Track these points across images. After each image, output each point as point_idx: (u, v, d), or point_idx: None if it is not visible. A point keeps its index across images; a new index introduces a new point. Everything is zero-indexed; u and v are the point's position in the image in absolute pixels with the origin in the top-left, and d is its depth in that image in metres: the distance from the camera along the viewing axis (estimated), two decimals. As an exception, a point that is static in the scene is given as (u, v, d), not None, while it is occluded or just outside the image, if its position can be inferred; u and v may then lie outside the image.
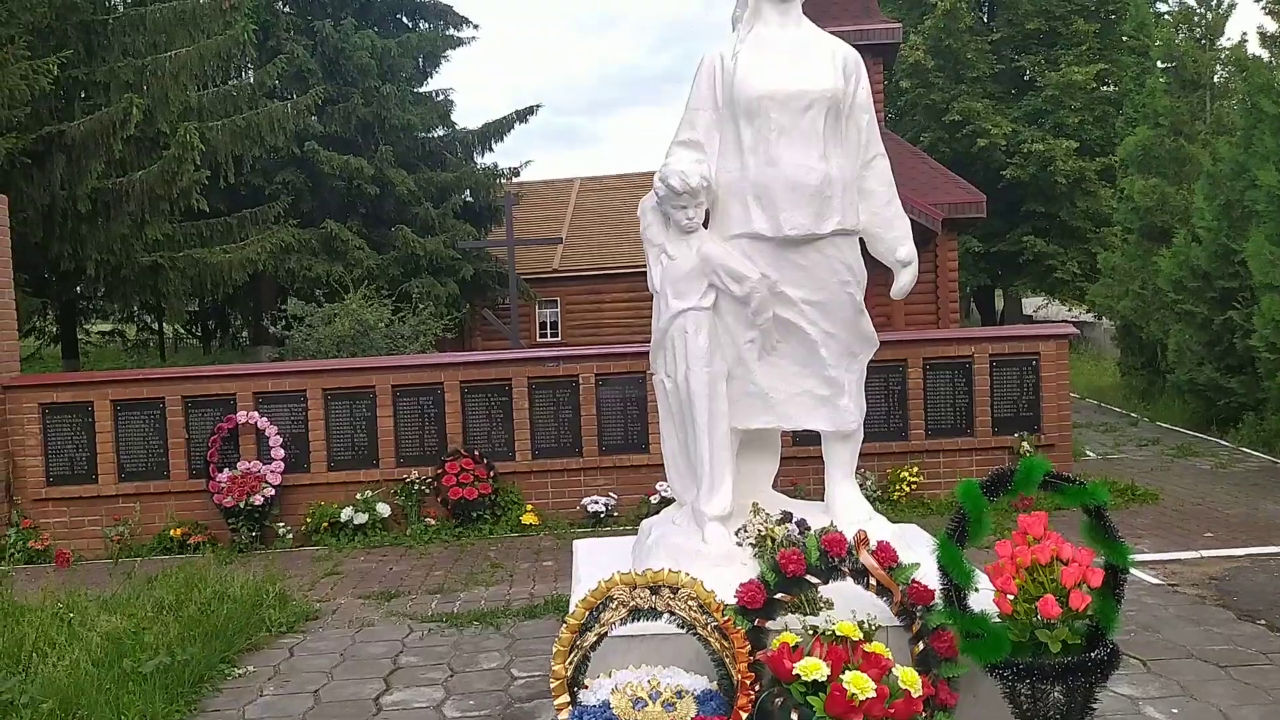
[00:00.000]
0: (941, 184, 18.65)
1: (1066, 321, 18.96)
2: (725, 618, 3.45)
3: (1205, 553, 7.17)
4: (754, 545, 4.08)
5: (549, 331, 28.61)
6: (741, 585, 3.66)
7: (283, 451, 9.02)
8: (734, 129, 4.33)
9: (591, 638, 3.45)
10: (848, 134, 4.38)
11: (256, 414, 9.09)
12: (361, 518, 8.95)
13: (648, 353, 9.39)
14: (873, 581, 3.62)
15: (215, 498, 8.88)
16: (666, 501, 9.10)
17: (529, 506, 9.22)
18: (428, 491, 9.15)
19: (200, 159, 16.49)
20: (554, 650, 3.43)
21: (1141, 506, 8.81)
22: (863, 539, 3.68)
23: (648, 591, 3.46)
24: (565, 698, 3.41)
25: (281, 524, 9.00)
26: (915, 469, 9.18)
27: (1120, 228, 17.38)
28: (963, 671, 3.52)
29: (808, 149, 4.22)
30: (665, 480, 9.13)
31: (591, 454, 9.34)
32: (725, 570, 3.96)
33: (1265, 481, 9.66)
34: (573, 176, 33.04)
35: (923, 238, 18.35)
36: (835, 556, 3.64)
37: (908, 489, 9.11)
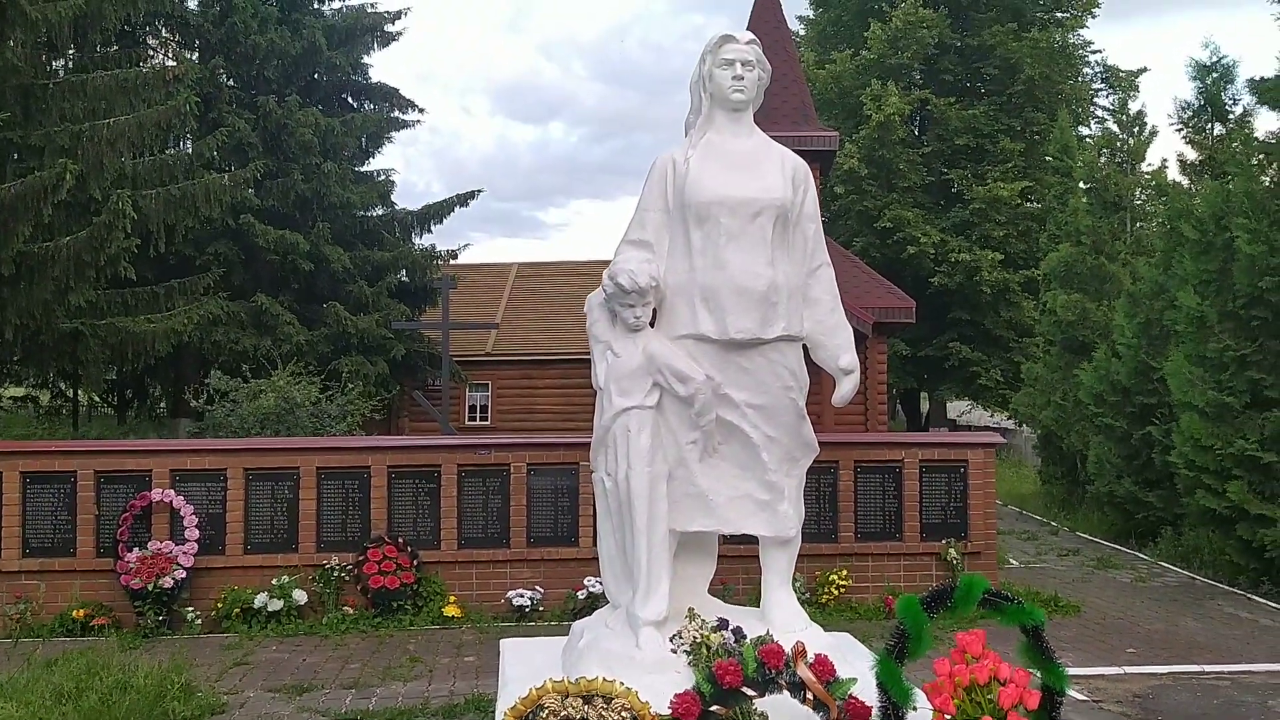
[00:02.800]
0: (873, 289, 19.06)
1: (991, 428, 19.32)
2: (660, 730, 3.35)
3: (1128, 669, 7.22)
4: (689, 653, 4.00)
5: (479, 415, 28.37)
6: (676, 696, 3.56)
7: (197, 532, 8.69)
8: (684, 231, 4.37)
9: (520, 748, 3.32)
10: (794, 242, 4.45)
11: (173, 492, 8.77)
12: (276, 604, 8.63)
13: (581, 444, 9.34)
14: (809, 695, 3.55)
15: (123, 579, 8.50)
16: (594, 596, 8.96)
17: (452, 598, 8.98)
18: (347, 579, 8.88)
19: (132, 227, 16.20)
20: (480, 760, 3.29)
21: (1064, 619, 8.87)
22: (800, 651, 3.63)
23: (580, 701, 3.35)
24: (489, 811, 3.26)
25: (190, 608, 8.63)
26: (844, 572, 9.16)
27: (1043, 339, 17.87)
28: (899, 791, 3.45)
29: (755, 255, 4.27)
30: (593, 575, 9.05)
31: (519, 545, 9.17)
32: (659, 678, 3.88)
33: (1183, 597, 9.82)
34: (510, 261, 33.19)
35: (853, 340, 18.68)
36: (772, 668, 3.58)
37: (836, 592, 9.07)
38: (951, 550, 9.28)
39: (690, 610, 4.21)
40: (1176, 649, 7.80)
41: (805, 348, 4.53)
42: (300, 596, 8.72)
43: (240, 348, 20.65)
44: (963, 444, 9.69)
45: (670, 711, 3.52)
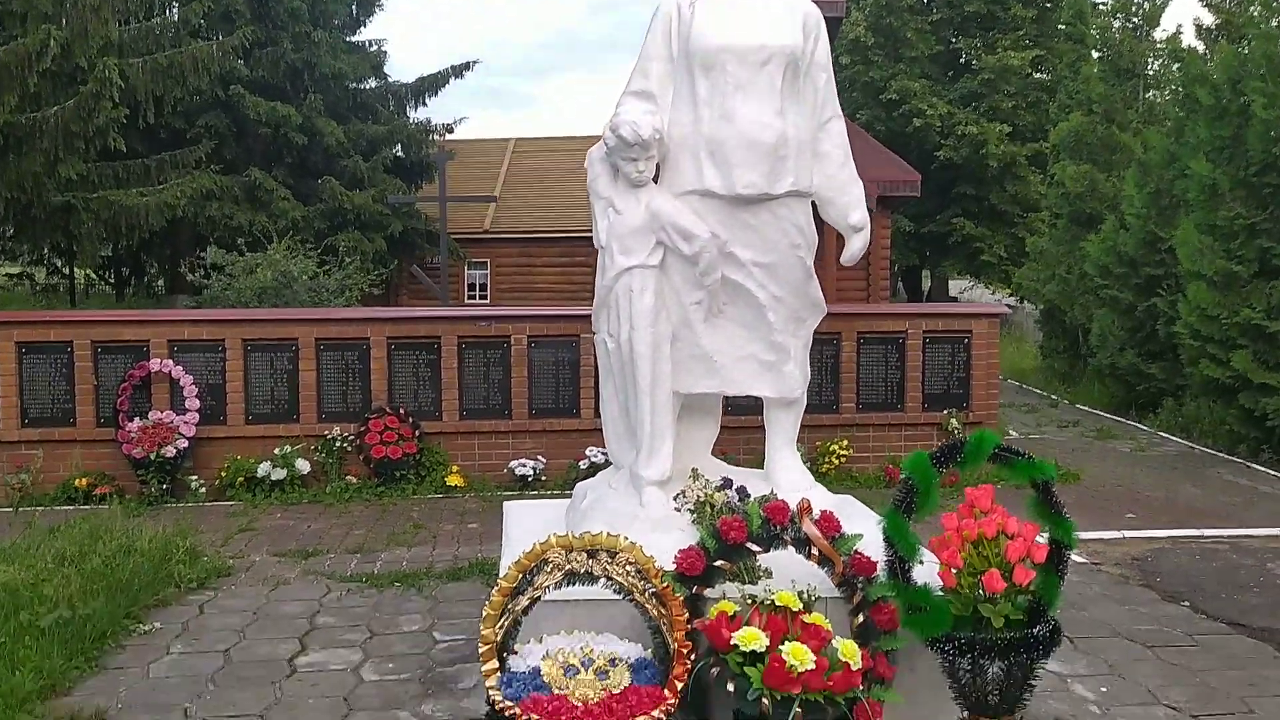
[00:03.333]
0: (877, 161, 18.69)
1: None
2: (664, 584, 3.32)
3: (1127, 533, 7.27)
4: (692, 511, 3.97)
5: (478, 293, 28.20)
6: (680, 551, 3.54)
7: (198, 402, 8.67)
8: (688, 81, 4.17)
9: (524, 602, 3.30)
10: (805, 93, 4.25)
11: (171, 362, 8.71)
12: (279, 473, 8.65)
13: (582, 316, 9.24)
14: (814, 551, 3.53)
15: (124, 448, 8.51)
16: (596, 466, 8.97)
17: (455, 468, 9.01)
18: (350, 449, 8.88)
19: (119, 96, 15.79)
20: (484, 614, 3.27)
21: (1064, 486, 8.89)
22: (806, 508, 3.59)
23: (584, 555, 3.32)
24: (494, 663, 3.26)
25: (194, 477, 8.66)
26: (845, 442, 9.17)
27: (1049, 213, 17.62)
28: (902, 645, 3.46)
29: (764, 105, 4.08)
30: (595, 445, 9.06)
31: (521, 416, 9.16)
32: (662, 536, 3.85)
33: (1183, 465, 9.86)
34: (507, 137, 32.54)
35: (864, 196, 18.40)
36: (777, 525, 3.54)
37: (837, 462, 9.10)
38: (953, 420, 9.27)
39: (694, 470, 4.16)
40: (1175, 514, 7.86)
41: (814, 205, 4.37)
42: (303, 466, 8.74)
43: (235, 223, 20.40)
44: (967, 314, 9.60)
45: (675, 566, 3.50)
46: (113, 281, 30.65)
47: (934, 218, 26.60)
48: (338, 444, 8.85)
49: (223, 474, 8.70)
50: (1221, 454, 10.36)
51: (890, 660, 3.44)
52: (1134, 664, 4.77)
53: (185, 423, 8.61)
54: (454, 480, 8.88)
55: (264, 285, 13.51)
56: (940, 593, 3.32)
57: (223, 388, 8.86)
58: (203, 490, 8.63)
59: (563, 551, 3.31)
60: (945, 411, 9.35)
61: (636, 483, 4.12)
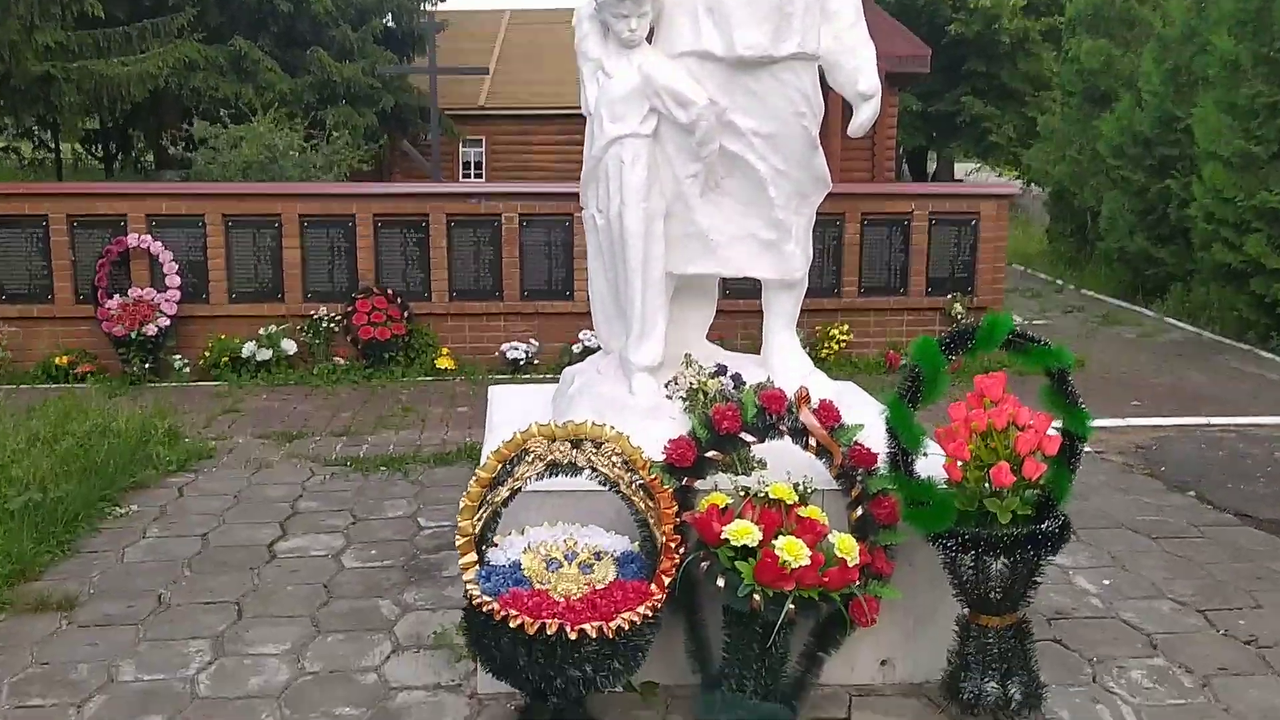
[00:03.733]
0: (886, 33, 17.95)
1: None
2: (651, 476, 3.12)
3: (1133, 421, 7.11)
4: (684, 399, 3.75)
5: (473, 172, 27.59)
6: (670, 441, 3.33)
7: (178, 279, 8.40)
8: (685, -71, 3.78)
9: (504, 493, 3.10)
10: (812, -58, 3.86)
11: (149, 237, 8.41)
12: (265, 354, 8.45)
13: (575, 194, 8.89)
14: (812, 442, 3.32)
15: (104, 325, 8.28)
16: (590, 351, 8.75)
17: (444, 350, 8.80)
18: (336, 330, 8.65)
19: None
20: (461, 505, 3.09)
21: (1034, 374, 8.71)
22: (804, 396, 3.37)
23: (568, 445, 3.11)
24: (472, 556, 3.09)
25: (178, 357, 8.46)
26: (845, 327, 8.94)
27: (1061, 91, 17.01)
28: (902, 540, 3.29)
29: (768, -44, 3.71)
30: (590, 329, 8.82)
31: (513, 298, 8.91)
32: (652, 424, 3.65)
33: (1189, 352, 9.66)
34: (502, 8, 31.41)
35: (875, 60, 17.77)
36: (773, 414, 3.33)
37: (836, 347, 8.89)
38: (957, 305, 9.03)
39: (686, 356, 3.93)
40: (1181, 402, 7.68)
41: (820, 70, 4.03)
42: (289, 347, 8.53)
43: (220, 95, 19.70)
44: (975, 195, 9.27)
45: (664, 457, 3.30)
46: (100, 156, 29.98)
47: (942, 96, 25.81)
48: (324, 325, 8.62)
49: (207, 354, 8.49)
50: (1229, 340, 10.15)
51: (889, 556, 3.27)
52: (1138, 556, 4.63)
53: (166, 300, 8.37)
54: (444, 363, 8.68)
55: (250, 160, 13.09)
56: (944, 486, 3.13)
57: (204, 265, 8.58)
58: (186, 370, 8.43)
59: (544, 441, 3.10)
60: (949, 296, 9.11)
61: (626, 368, 3.89)
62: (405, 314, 8.65)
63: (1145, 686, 3.50)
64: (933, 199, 9.16)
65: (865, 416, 3.52)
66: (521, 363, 8.75)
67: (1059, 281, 14.63)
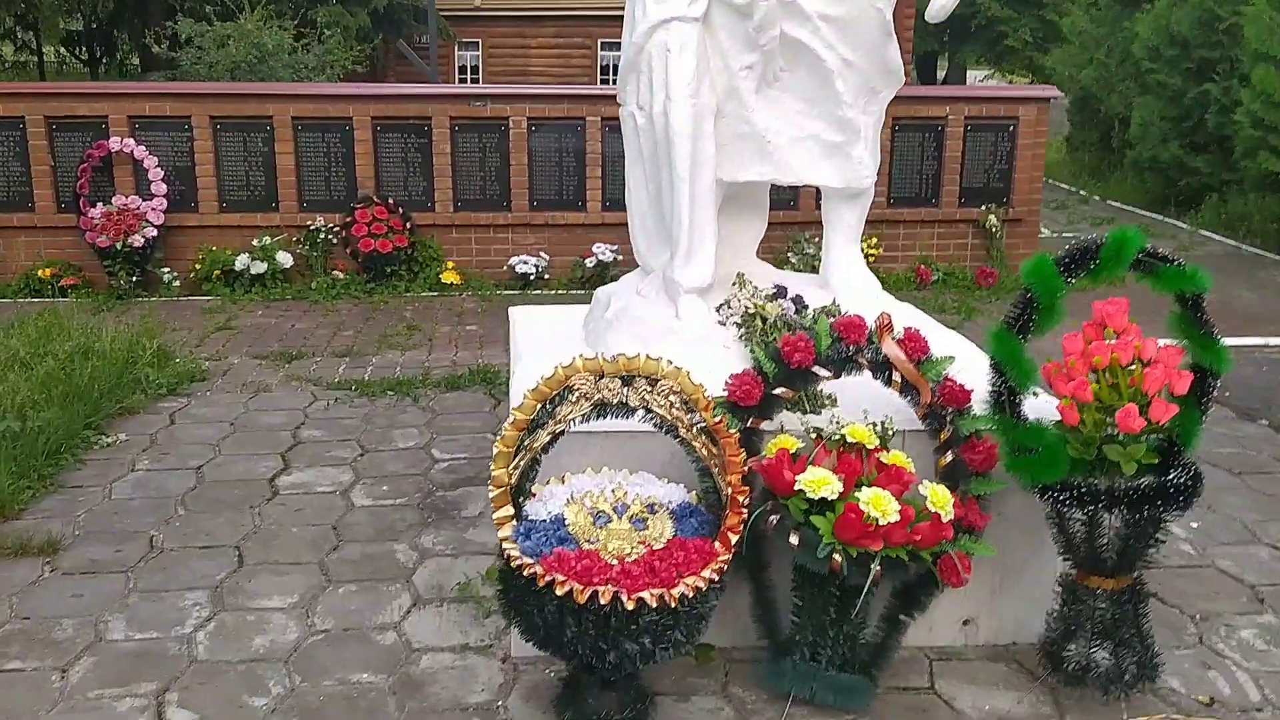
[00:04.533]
0: (906, -70, 17.09)
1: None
2: (716, 419, 2.69)
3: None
4: (739, 325, 3.30)
5: (469, 76, 26.67)
6: (733, 377, 2.89)
7: (164, 186, 7.86)
8: None
9: (544, 437, 2.67)
10: None
11: (133, 141, 7.84)
12: (259, 267, 7.95)
13: (588, 96, 8.33)
14: (896, 377, 2.88)
15: (88, 236, 7.77)
16: (604, 265, 8.30)
17: (450, 264, 8.30)
18: (335, 241, 8.15)
19: None
20: (495, 451, 2.65)
21: (1107, 290, 8.25)
22: (886, 324, 2.92)
23: (618, 382, 2.67)
24: (508, 509, 2.67)
25: (166, 269, 7.96)
26: (874, 240, 8.43)
27: (1090, -10, 16.22)
28: (998, 489, 2.87)
29: None
30: (603, 242, 8.34)
31: (521, 209, 8.38)
32: (703, 353, 3.21)
33: (1231, 267, 9.19)
34: (499, -98, 30.02)
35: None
36: (851, 344, 2.88)
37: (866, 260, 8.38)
38: (991, 217, 8.53)
39: (739, 276, 3.47)
40: (1233, 322, 7.22)
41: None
42: (285, 259, 8.03)
43: (206, -8, 18.80)
44: (1014, 99, 8.67)
45: (726, 394, 2.86)
46: (84, 59, 28.90)
47: (955, -2, 24.79)
48: (322, 236, 8.11)
49: (197, 266, 7.99)
50: (1271, 254, 9.67)
51: (982, 507, 2.86)
52: (1223, 494, 4.24)
53: (153, 209, 7.84)
54: (449, 277, 8.20)
55: (237, 59, 12.36)
56: (1055, 430, 2.70)
57: (191, 171, 8.03)
58: (176, 284, 7.95)
59: (591, 377, 2.66)
60: (984, 207, 8.59)
61: (671, 289, 3.43)
62: (407, 225, 8.14)
63: (1259, 649, 3.13)
64: (969, 103, 8.57)
65: (940, 346, 3.08)
66: (532, 278, 8.27)
67: (1082, 192, 14.08)
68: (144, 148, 7.83)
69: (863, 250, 8.25)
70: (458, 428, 5.01)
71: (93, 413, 4.85)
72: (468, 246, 8.43)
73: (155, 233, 7.80)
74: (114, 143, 7.79)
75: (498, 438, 2.66)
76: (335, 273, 8.13)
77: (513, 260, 8.32)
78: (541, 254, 8.38)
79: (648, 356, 2.69)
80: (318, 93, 8.32)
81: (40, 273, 7.81)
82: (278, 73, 12.64)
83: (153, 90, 8.19)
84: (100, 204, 7.81)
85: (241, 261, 7.93)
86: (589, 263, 8.27)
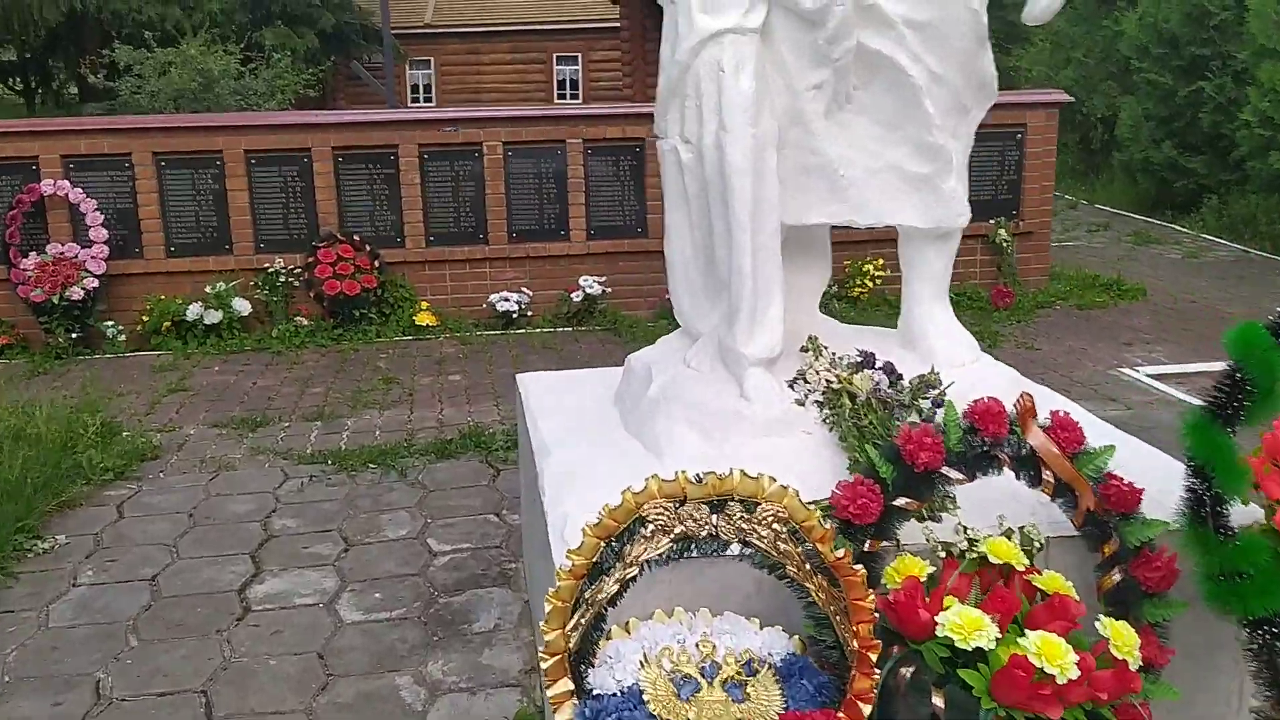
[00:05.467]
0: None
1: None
2: (838, 554, 2.05)
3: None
4: (822, 405, 2.68)
5: (422, 95, 25.97)
6: (844, 487, 2.26)
7: (104, 232, 7.12)
8: None
9: (610, 586, 2.03)
10: None
11: (67, 183, 7.09)
12: (214, 316, 7.22)
13: (569, 116, 7.64)
14: (1047, 476, 2.27)
15: (20, 289, 7.00)
16: (591, 298, 7.65)
17: (424, 304, 7.62)
18: (297, 285, 7.44)
19: None
20: (547, 607, 2.00)
21: (1130, 304, 7.79)
22: (1028, 409, 2.30)
23: (705, 509, 2.03)
24: (566, 683, 2.02)
25: (110, 322, 7.20)
26: (880, 261, 7.87)
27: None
28: (1179, 612, 2.27)
29: None
30: (589, 274, 7.69)
31: (499, 241, 7.72)
32: (780, 442, 2.60)
33: (1248, 273, 8.74)
34: (445, -83, 29.34)
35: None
36: (989, 437, 2.27)
37: (871, 285, 7.82)
38: (1001, 232, 8.00)
39: (811, 340, 2.85)
40: None
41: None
42: (242, 306, 7.30)
43: (144, 17, 17.92)
44: (1021, 104, 8.16)
45: (832, 508, 2.23)
46: (19, 90, 27.77)
47: None
48: (282, 279, 7.40)
49: (145, 318, 7.24)
50: (1282, 259, 9.27)
51: (1160, 638, 2.25)
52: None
53: (92, 257, 7.10)
54: (424, 319, 7.51)
55: (181, 88, 11.61)
56: (1270, 544, 2.10)
57: (135, 213, 7.29)
58: (122, 338, 7.19)
59: (670, 504, 2.02)
60: (992, 221, 8.05)
61: (732, 361, 2.80)
62: (376, 263, 7.45)
63: None
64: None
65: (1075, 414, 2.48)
66: (514, 315, 7.60)
67: (1068, 197, 13.65)
68: (80, 190, 7.09)
69: (869, 271, 7.67)
70: (455, 508, 4.35)
71: (25, 512, 4.12)
72: (442, 284, 7.75)
73: (96, 283, 7.04)
74: (46, 186, 7.03)
75: (550, 591, 2.01)
76: (298, 319, 7.42)
77: (492, 297, 7.65)
78: (523, 289, 7.73)
79: (743, 473, 2.05)
80: (272, 122, 7.60)
81: (-33, 332, 7.03)
82: (224, 100, 11.91)
83: (88, 126, 7.42)
84: (34, 253, 7.05)
85: (194, 311, 7.19)
86: (575, 297, 7.63)
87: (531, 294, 7.72)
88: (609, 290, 7.69)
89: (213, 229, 7.40)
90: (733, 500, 2.04)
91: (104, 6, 17.65)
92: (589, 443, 2.89)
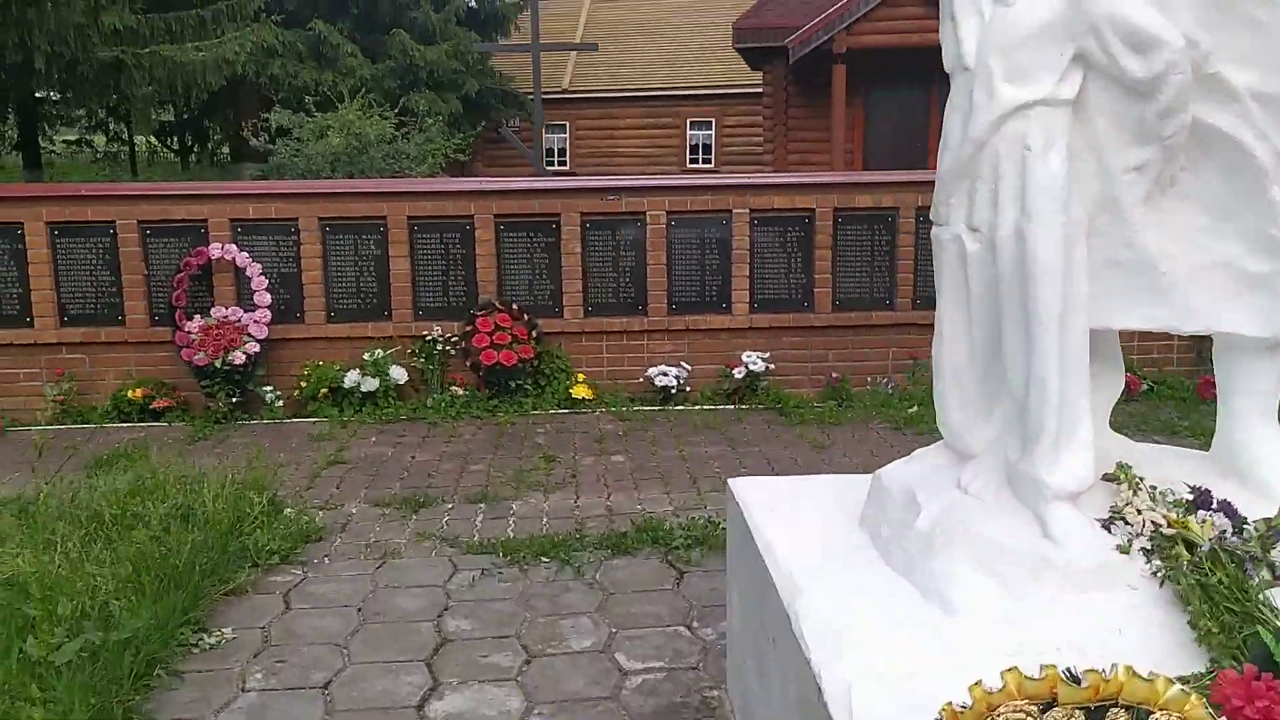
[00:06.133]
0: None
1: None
2: (1260, 783, 1.58)
3: None
4: (1150, 553, 2.21)
5: (556, 159, 26.23)
6: (1229, 681, 1.77)
7: (269, 296, 7.06)
8: None
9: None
10: None
11: (234, 247, 7.08)
12: (371, 383, 7.07)
13: (735, 186, 7.30)
14: None
15: (184, 353, 6.97)
16: (754, 376, 7.26)
17: (580, 376, 7.35)
18: (453, 353, 7.25)
19: (165, -66, 13.97)
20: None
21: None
22: None
23: (1081, 716, 1.58)
24: None
25: (269, 388, 7.11)
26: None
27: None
28: None
29: None
30: (753, 350, 7.31)
31: (659, 313, 7.42)
32: (1100, 600, 2.13)
33: None
34: (585, -14, 29.91)
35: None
36: None
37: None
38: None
39: (1121, 468, 2.38)
40: None
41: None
42: (399, 374, 7.14)
43: (300, 82, 18.58)
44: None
45: (1220, 709, 1.76)
46: (176, 149, 29.12)
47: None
48: (439, 347, 7.22)
49: (303, 384, 7.13)
50: None
51: None
52: None
53: (256, 321, 7.03)
54: (580, 391, 7.23)
55: (336, 151, 11.77)
56: None
57: (298, 277, 7.23)
58: (280, 404, 7.09)
59: (1034, 709, 1.58)
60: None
61: (1029, 492, 2.35)
62: (534, 333, 7.22)
63: None
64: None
65: None
66: (673, 390, 7.25)
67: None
68: (247, 254, 7.06)
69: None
70: (640, 617, 3.95)
71: (193, 603, 3.88)
72: (599, 356, 7.47)
73: (258, 348, 6.97)
74: (214, 249, 7.02)
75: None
76: (454, 388, 7.22)
77: (651, 371, 7.33)
78: (682, 364, 7.39)
79: (1131, 672, 1.59)
80: (436, 189, 7.49)
81: (130, 393, 7.01)
82: (377, 164, 12.04)
83: (256, 191, 7.42)
84: (198, 316, 7.03)
85: (351, 378, 7.05)
86: (737, 373, 7.25)
87: (690, 368, 7.37)
88: (772, 367, 7.29)
89: (373, 295, 7.29)
90: (1117, 707, 1.58)
91: (262, 72, 18.29)
92: (846, 581, 2.47)
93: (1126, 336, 7.63)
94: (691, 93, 25.81)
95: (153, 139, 27.75)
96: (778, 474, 5.42)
